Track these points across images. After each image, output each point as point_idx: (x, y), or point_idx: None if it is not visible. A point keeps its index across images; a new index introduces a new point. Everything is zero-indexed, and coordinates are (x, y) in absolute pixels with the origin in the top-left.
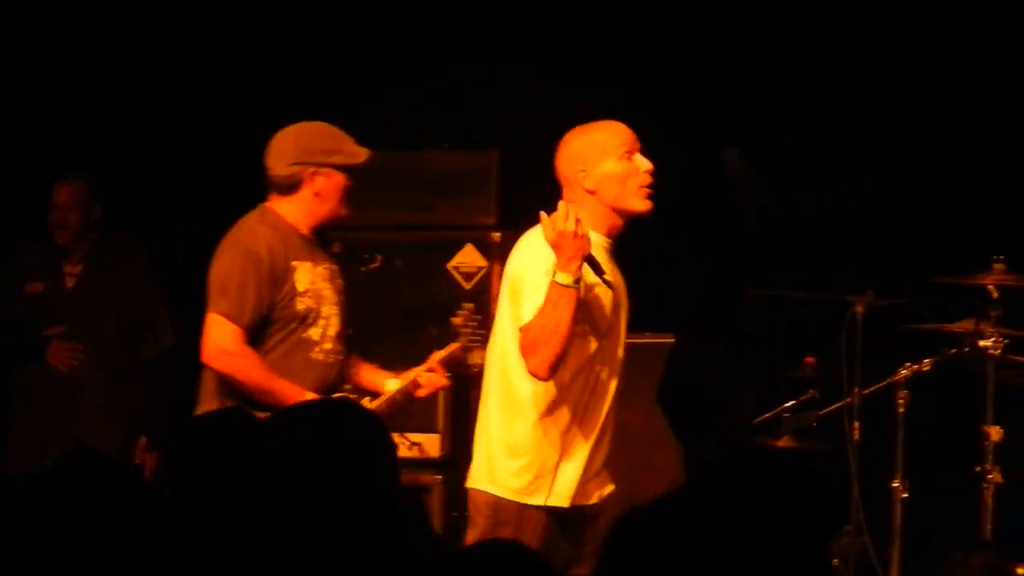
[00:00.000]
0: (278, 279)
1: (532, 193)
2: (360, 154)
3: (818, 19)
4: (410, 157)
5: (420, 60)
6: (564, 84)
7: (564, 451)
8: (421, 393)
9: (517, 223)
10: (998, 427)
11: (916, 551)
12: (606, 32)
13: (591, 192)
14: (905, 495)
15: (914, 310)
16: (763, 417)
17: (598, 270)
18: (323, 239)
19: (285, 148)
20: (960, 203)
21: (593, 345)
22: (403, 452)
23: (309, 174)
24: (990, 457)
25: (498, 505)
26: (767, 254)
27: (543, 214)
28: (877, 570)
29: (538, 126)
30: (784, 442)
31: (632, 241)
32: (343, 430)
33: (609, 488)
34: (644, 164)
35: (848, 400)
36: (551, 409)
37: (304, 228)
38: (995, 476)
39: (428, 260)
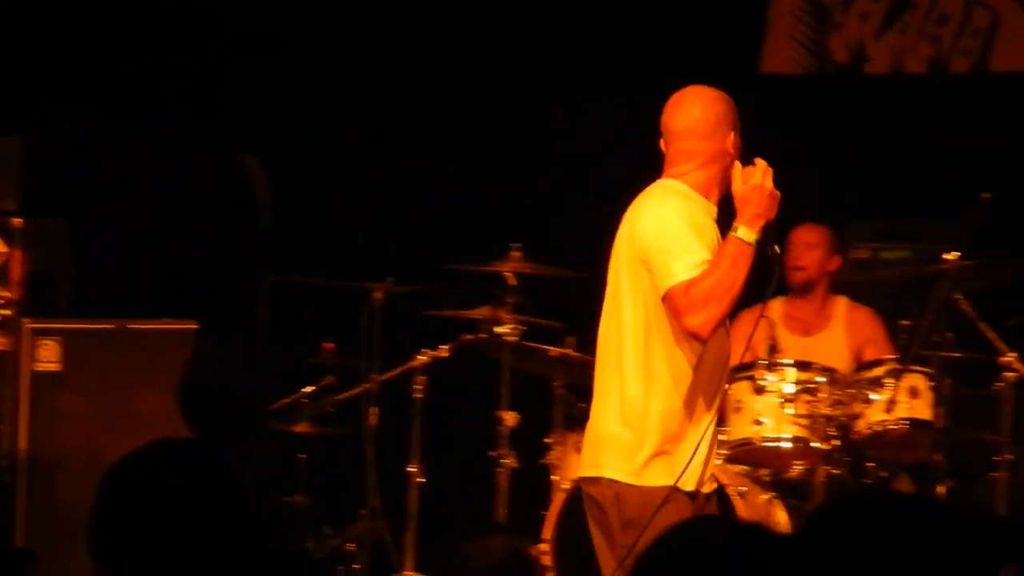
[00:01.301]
0: None
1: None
2: None
3: None
4: None
5: None
6: None
7: (699, 430)
8: None
9: (40, 209)
10: (513, 412)
11: (432, 535)
12: None
13: (720, 158)
14: (422, 480)
15: (432, 297)
16: (281, 403)
17: (771, 240)
18: None
19: None
20: (473, 193)
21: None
22: None
23: None
24: (505, 442)
25: (627, 493)
26: (285, 241)
27: (738, 163)
28: (393, 554)
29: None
30: (302, 427)
31: (149, 232)
32: None
33: (713, 473)
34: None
35: (366, 386)
36: (693, 385)
37: None
38: (510, 461)
39: None
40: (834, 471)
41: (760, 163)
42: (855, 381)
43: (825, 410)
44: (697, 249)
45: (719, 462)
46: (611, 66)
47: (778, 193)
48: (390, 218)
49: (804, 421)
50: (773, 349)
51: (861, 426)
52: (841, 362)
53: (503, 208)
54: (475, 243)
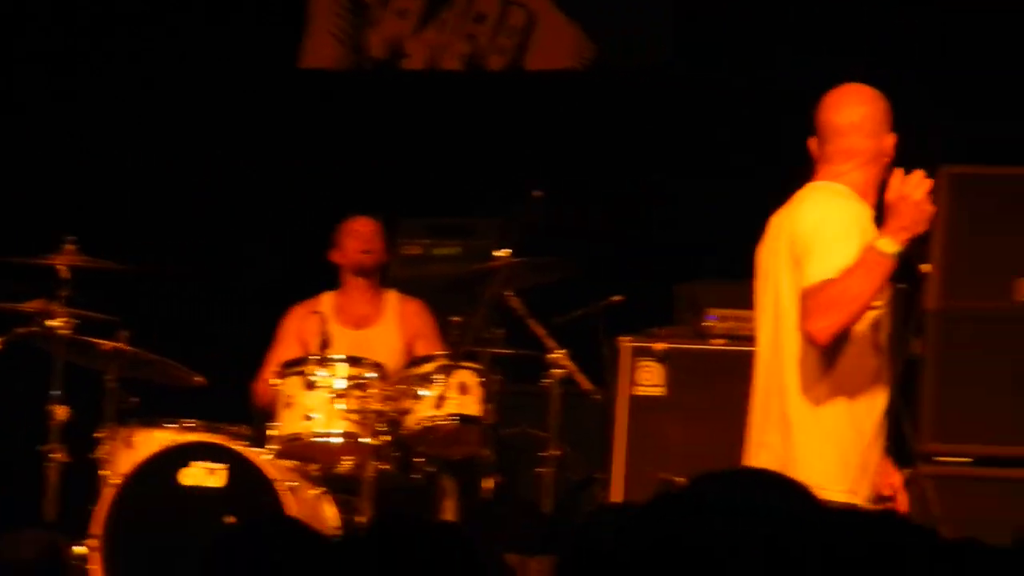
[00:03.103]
0: None
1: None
2: None
3: None
4: None
5: None
6: None
7: (860, 441)
8: None
9: None
10: (65, 406)
11: None
12: None
13: (878, 159)
14: None
15: None
16: None
17: (921, 258)
18: None
19: None
20: (29, 184)
21: (881, 328)
22: None
23: None
24: (56, 436)
25: None
26: None
27: (899, 171)
28: None
29: None
30: None
31: None
32: None
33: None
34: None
35: None
36: (850, 393)
37: None
38: (60, 455)
39: None
40: (383, 467)
41: (917, 174)
42: (405, 377)
43: (375, 406)
44: (845, 253)
45: (268, 457)
46: (168, 57)
47: (932, 208)
48: None
49: (355, 417)
50: (325, 344)
51: (411, 422)
52: (394, 355)
53: (57, 199)
54: (27, 235)
